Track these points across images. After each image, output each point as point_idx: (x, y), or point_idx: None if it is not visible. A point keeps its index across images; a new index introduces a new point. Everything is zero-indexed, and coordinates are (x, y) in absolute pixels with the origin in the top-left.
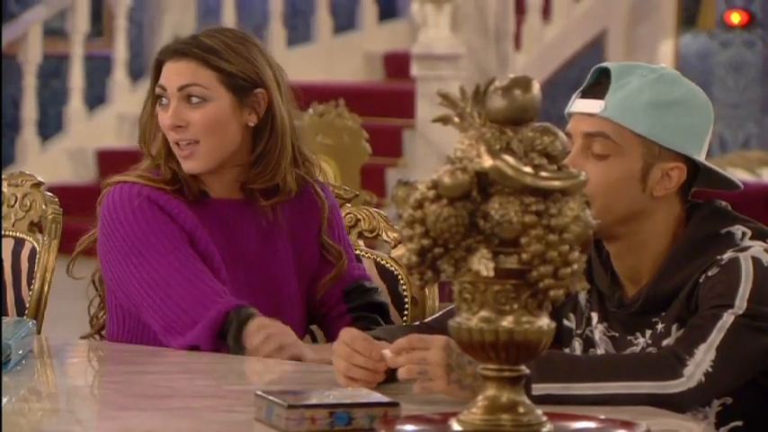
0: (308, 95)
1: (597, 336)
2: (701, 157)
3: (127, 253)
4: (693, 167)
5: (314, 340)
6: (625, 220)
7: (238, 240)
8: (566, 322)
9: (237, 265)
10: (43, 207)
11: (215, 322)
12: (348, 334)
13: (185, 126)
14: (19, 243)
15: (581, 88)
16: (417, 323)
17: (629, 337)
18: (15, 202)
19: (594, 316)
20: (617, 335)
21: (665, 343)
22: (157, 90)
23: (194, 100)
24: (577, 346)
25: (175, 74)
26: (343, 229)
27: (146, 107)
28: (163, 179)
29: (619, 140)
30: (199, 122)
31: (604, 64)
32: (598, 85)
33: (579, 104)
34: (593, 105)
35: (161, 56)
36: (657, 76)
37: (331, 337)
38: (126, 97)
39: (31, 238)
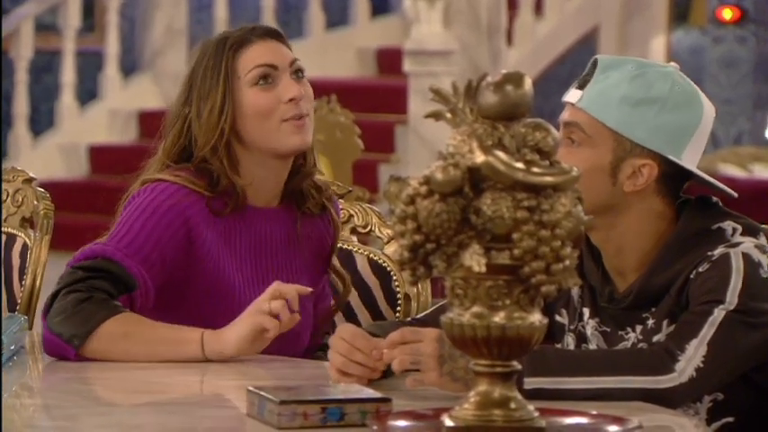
0: None
1: (589, 331)
2: (680, 158)
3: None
4: (671, 166)
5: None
6: (597, 212)
7: (269, 250)
8: (558, 318)
9: (268, 272)
10: (35, 203)
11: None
12: (347, 330)
13: (304, 98)
14: (11, 239)
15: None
16: (409, 319)
17: (620, 333)
18: (7, 197)
19: (586, 311)
20: (608, 330)
21: (655, 338)
22: (264, 70)
23: (300, 74)
24: (570, 341)
25: (281, 52)
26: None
27: (218, 104)
28: (207, 182)
29: (590, 132)
30: (309, 95)
31: (600, 56)
32: (587, 76)
33: (569, 93)
34: (575, 95)
35: (247, 36)
36: (640, 72)
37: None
38: (118, 93)
39: (22, 234)
